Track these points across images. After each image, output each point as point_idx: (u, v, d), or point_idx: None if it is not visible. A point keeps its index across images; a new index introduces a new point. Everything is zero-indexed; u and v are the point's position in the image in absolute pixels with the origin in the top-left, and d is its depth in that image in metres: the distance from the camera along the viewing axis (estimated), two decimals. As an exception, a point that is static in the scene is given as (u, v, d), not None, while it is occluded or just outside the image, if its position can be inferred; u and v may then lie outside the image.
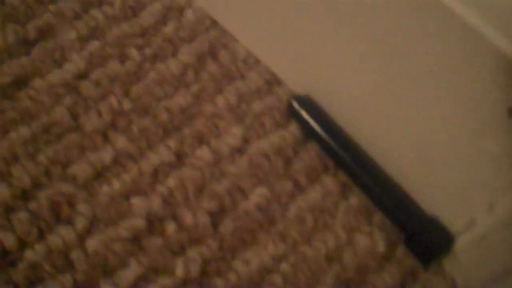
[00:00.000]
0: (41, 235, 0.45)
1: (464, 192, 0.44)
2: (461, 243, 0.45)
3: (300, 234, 0.47)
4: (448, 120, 0.42)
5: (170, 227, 0.46)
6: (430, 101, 0.42)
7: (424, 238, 0.47)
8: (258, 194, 0.48)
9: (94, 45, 0.53)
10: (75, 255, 0.44)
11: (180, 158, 0.49)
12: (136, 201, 0.47)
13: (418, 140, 0.45)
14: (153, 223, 0.46)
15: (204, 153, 0.50)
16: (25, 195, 0.46)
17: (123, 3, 0.56)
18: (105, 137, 0.49)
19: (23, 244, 0.44)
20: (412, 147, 0.46)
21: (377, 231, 0.48)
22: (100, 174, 0.48)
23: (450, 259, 0.46)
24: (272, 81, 0.54)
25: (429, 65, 0.40)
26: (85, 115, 0.50)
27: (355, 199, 0.49)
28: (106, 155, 0.48)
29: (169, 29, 0.55)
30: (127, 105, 0.51)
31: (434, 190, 0.46)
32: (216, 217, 0.47)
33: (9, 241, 0.44)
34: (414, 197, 0.48)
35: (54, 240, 0.45)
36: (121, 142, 0.49)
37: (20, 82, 0.51)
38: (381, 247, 0.48)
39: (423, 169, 0.46)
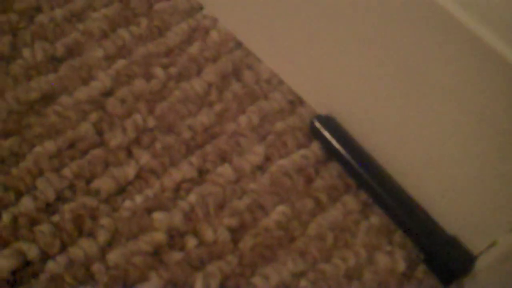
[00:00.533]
0: (63, 247, 0.45)
1: (486, 213, 0.44)
2: (481, 263, 0.45)
3: (320, 252, 0.47)
4: (471, 142, 0.42)
5: (191, 242, 0.47)
6: (453, 123, 0.42)
7: (445, 258, 0.46)
8: (279, 212, 0.49)
9: (121, 63, 0.54)
10: (96, 267, 0.45)
11: (202, 174, 0.50)
12: (158, 216, 0.47)
13: (440, 161, 0.45)
14: (174, 238, 0.47)
15: (225, 170, 0.50)
16: (49, 208, 0.47)
17: (150, 23, 0.57)
18: (129, 153, 0.50)
19: (45, 256, 0.45)
20: (434, 167, 0.46)
21: (398, 250, 0.48)
22: (123, 189, 0.49)
23: (470, 279, 0.46)
24: (295, 101, 0.54)
25: (452, 88, 0.40)
26: (110, 131, 0.51)
27: (376, 218, 0.49)
28: (129, 171, 0.49)
29: (194, 49, 0.56)
30: (151, 122, 0.52)
31: (455, 210, 0.46)
32: (236, 233, 0.48)
33: (32, 252, 0.45)
34: (435, 217, 0.48)
35: (76, 252, 0.45)
36: (144, 158, 0.50)
37: (48, 98, 0.52)
38: (401, 266, 0.47)
39: (444, 189, 0.46)
